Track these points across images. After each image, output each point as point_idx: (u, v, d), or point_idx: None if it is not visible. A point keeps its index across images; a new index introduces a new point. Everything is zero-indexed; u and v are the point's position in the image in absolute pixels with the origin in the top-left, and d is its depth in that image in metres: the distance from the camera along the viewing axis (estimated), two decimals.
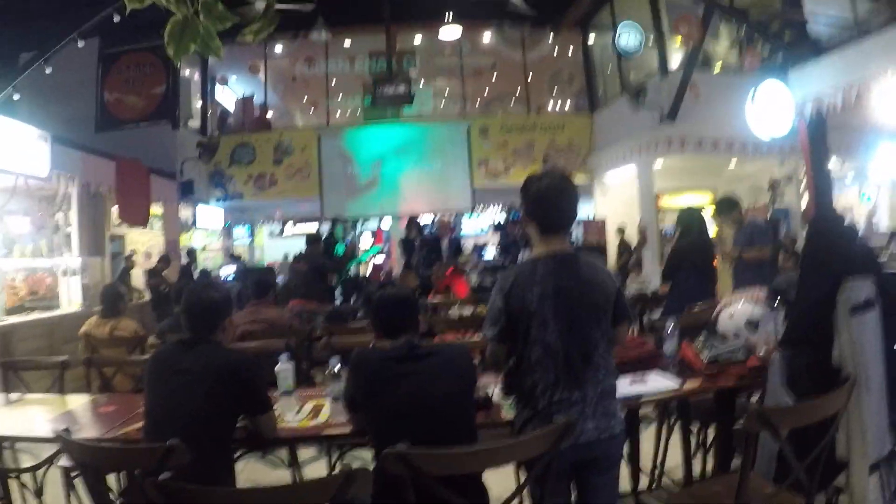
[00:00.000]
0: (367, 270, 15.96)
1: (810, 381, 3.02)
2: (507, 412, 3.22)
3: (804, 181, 13.64)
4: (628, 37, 12.06)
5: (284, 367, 3.57)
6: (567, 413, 2.65)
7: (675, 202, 13.74)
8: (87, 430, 3.50)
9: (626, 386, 3.34)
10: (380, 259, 17.50)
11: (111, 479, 3.60)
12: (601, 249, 14.00)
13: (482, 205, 16.74)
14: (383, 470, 2.26)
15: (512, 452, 2.47)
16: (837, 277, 2.97)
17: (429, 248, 11.21)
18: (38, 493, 4.11)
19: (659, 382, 3.45)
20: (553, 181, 2.90)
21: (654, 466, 4.48)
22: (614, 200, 15.23)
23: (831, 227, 3.27)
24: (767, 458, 2.96)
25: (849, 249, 3.12)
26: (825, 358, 2.98)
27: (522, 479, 2.69)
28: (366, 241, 19.01)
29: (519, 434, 2.80)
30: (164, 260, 12.37)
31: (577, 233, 14.68)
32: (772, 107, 9.76)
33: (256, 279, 5.93)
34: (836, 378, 2.88)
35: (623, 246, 14.12)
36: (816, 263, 3.18)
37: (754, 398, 4.42)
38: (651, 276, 12.22)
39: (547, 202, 2.88)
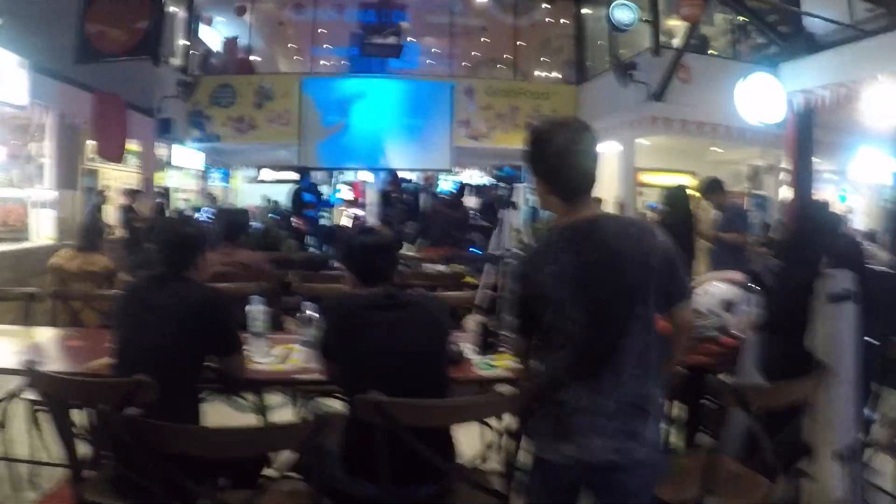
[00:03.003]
0: (341, 220, 15.95)
1: (782, 366, 3.04)
2: (479, 368, 3.20)
3: (784, 173, 13.79)
4: (623, 10, 12.00)
5: (256, 308, 3.51)
6: (569, 419, 2.22)
7: (655, 180, 13.80)
8: (54, 364, 3.45)
9: None
10: (359, 212, 17.45)
11: (75, 416, 3.53)
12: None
13: (461, 166, 16.69)
14: (353, 418, 2.23)
15: (486, 408, 2.43)
16: (818, 265, 2.98)
17: (406, 203, 11.17)
18: (1, 425, 4.06)
19: None
20: (572, 133, 2.26)
21: None
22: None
23: (817, 216, 3.29)
24: (734, 436, 2.98)
25: (833, 239, 3.13)
26: (799, 345, 2.99)
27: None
28: (344, 193, 18.93)
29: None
30: (133, 193, 12.19)
31: None
32: (762, 95, 9.80)
33: (228, 220, 5.81)
34: (808, 366, 2.90)
35: None
36: (799, 250, 3.20)
37: (722, 377, 4.49)
38: None
39: (570, 161, 2.25)
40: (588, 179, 2.29)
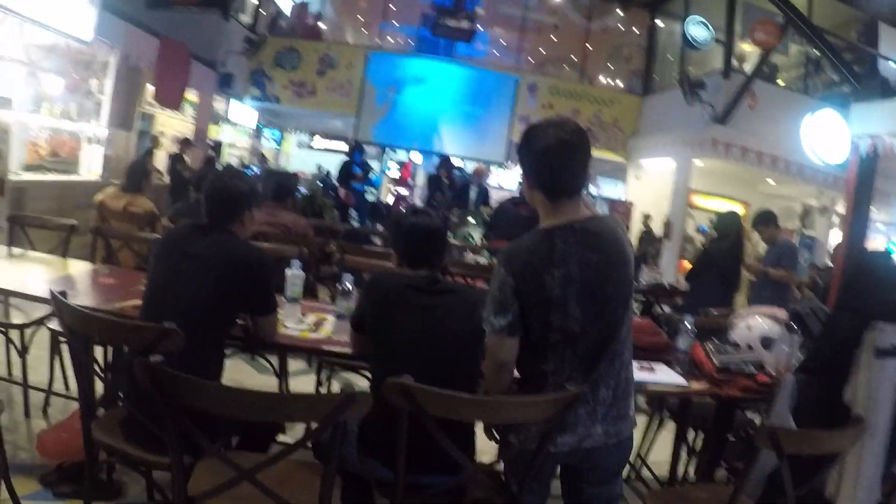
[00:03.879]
0: (388, 198, 15.95)
1: (815, 412, 2.94)
2: None
3: (837, 216, 13.54)
4: (698, 28, 11.82)
5: (296, 273, 3.47)
6: (573, 412, 2.32)
7: (706, 203, 13.62)
8: (83, 298, 3.45)
9: (633, 370, 3.25)
10: (404, 191, 17.45)
11: (98, 353, 3.54)
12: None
13: (515, 161, 16.58)
14: (377, 397, 2.17)
15: (519, 410, 2.34)
16: (870, 316, 2.87)
17: (456, 191, 11.10)
18: (23, 351, 4.09)
19: (667, 375, 3.35)
20: (562, 133, 2.35)
21: (638, 456, 4.43)
22: (646, 188, 15.11)
23: (875, 266, 3.16)
24: (758, 478, 2.89)
25: (889, 292, 3.01)
26: (836, 393, 2.89)
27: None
28: (393, 171, 18.94)
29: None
30: (186, 143, 12.27)
31: (604, 210, 14.63)
32: (828, 133, 9.59)
33: (277, 181, 5.79)
34: (842, 416, 2.79)
35: (646, 235, 14.06)
36: (853, 299, 3.08)
37: (749, 413, 4.39)
38: (667, 271, 12.15)
39: (554, 160, 2.35)
40: (574, 182, 2.38)
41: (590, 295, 2.33)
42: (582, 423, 2.34)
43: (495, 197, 11.67)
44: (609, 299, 2.36)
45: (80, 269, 4.23)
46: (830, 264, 10.63)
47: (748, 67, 12.40)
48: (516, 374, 2.54)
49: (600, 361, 2.36)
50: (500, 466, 2.54)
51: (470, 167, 15.87)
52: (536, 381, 2.41)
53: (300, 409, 2.15)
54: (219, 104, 14.60)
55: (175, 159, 11.88)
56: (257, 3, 15.81)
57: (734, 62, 12.58)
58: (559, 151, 2.34)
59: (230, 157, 16.35)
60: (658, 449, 4.42)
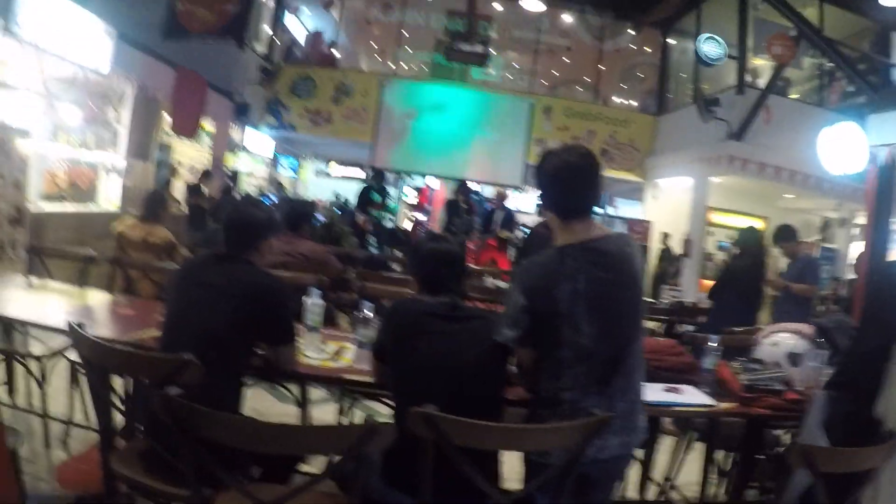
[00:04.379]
0: (405, 224, 15.95)
1: (847, 428, 2.87)
2: None
3: (858, 227, 13.42)
4: (711, 45, 11.80)
5: (315, 302, 3.44)
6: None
7: (725, 220, 13.55)
8: (101, 329, 3.44)
9: (659, 392, 3.19)
10: (422, 216, 17.47)
11: (117, 384, 3.52)
12: (643, 251, 13.85)
13: (532, 184, 16.58)
14: (400, 427, 2.14)
15: (545, 437, 2.31)
16: None
17: (477, 216, 11.09)
18: (42, 381, 4.08)
19: (694, 396, 3.29)
20: (573, 158, 2.54)
21: (666, 478, 4.35)
22: (664, 206, 15.05)
23: None
24: (791, 498, 2.82)
25: None
26: (867, 408, 2.82)
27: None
28: (410, 197, 18.97)
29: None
30: (206, 175, 12.35)
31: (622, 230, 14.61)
32: (845, 145, 9.51)
33: (293, 209, 5.75)
34: (874, 431, 2.73)
35: (665, 254, 13.99)
36: (880, 312, 3.02)
37: (778, 432, 4.32)
38: (688, 290, 12.07)
39: (566, 182, 2.53)
40: (583, 203, 2.56)
41: (599, 311, 2.43)
42: (600, 436, 2.35)
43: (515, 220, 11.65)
44: (619, 316, 2.49)
45: (98, 299, 4.23)
46: (854, 276, 10.51)
47: (762, 82, 12.34)
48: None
49: (615, 377, 2.46)
50: (525, 490, 2.49)
51: (487, 191, 15.89)
52: (553, 400, 2.49)
53: (322, 442, 2.11)
54: (235, 133, 14.69)
55: (192, 189, 11.94)
56: (272, 32, 15.96)
57: (748, 78, 12.54)
58: (568, 174, 2.53)
59: (247, 185, 16.42)
60: (686, 471, 4.34)
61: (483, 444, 2.24)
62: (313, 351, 3.32)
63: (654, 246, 14.47)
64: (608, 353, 2.45)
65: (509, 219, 11.38)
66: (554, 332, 2.45)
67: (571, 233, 2.52)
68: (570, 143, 2.82)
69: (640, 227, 14.69)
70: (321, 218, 10.55)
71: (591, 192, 2.57)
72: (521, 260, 8.51)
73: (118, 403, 3.33)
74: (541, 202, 2.69)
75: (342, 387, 4.29)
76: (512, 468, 2.72)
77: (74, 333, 2.55)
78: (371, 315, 3.36)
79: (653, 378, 3.34)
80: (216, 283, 2.79)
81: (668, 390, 3.27)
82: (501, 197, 11.96)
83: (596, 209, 2.68)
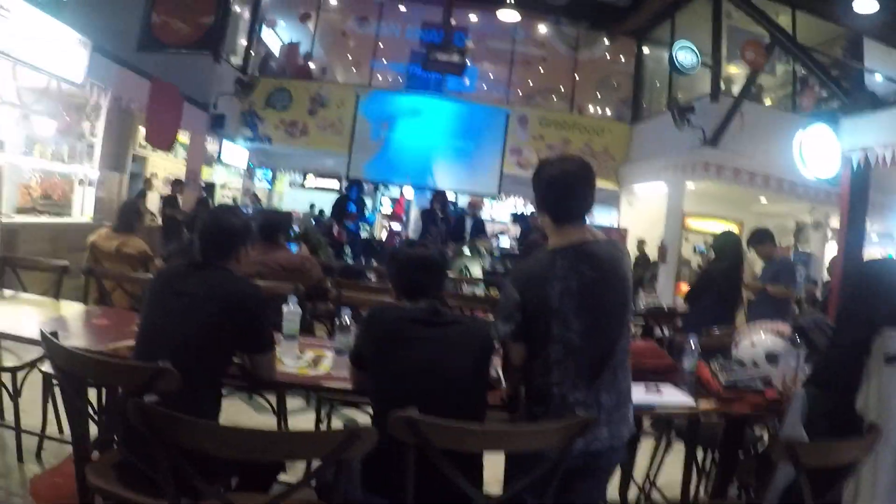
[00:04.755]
0: (381, 234, 15.91)
1: (828, 424, 2.88)
2: None
3: (831, 231, 13.57)
4: (686, 53, 11.90)
5: (292, 310, 3.40)
6: (584, 412, 2.47)
7: (700, 225, 13.64)
8: (76, 339, 3.37)
9: (640, 393, 3.19)
10: (397, 226, 17.45)
11: (92, 395, 3.47)
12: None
13: (507, 193, 16.62)
14: (380, 432, 2.12)
15: (528, 439, 2.30)
16: (877, 324, 2.82)
17: (452, 224, 11.08)
18: (16, 394, 4.02)
19: (674, 396, 3.29)
20: (568, 166, 2.70)
21: (647, 479, 4.35)
22: (640, 213, 15.16)
23: (879, 272, 3.11)
24: (773, 494, 2.82)
25: (894, 297, 2.96)
26: (847, 404, 2.83)
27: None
28: (386, 207, 18.94)
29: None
30: (177, 183, 12.29)
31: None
32: (819, 149, 9.62)
33: (266, 220, 5.70)
34: (855, 427, 2.73)
35: (641, 259, 14.05)
36: (859, 307, 3.03)
37: (758, 431, 4.33)
38: (664, 294, 12.12)
39: (560, 189, 2.67)
40: (576, 208, 2.69)
41: (587, 309, 2.55)
42: (590, 427, 2.41)
43: (489, 229, 11.67)
44: (606, 314, 2.60)
45: (72, 310, 4.18)
46: (828, 278, 10.61)
47: (736, 90, 12.46)
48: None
49: (603, 372, 2.57)
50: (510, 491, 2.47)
51: (463, 201, 15.91)
52: (543, 395, 2.58)
53: (302, 447, 2.08)
54: (211, 145, 14.62)
55: (167, 201, 11.87)
56: (247, 44, 15.92)
57: (722, 85, 12.66)
58: (563, 181, 2.67)
59: (223, 197, 16.35)
60: (666, 471, 4.34)
61: (465, 446, 2.23)
62: (291, 359, 3.29)
63: (631, 253, 14.52)
64: (596, 349, 2.56)
65: (479, 227, 11.40)
66: (545, 328, 2.55)
67: (564, 236, 2.65)
68: (565, 154, 3.05)
69: (615, 235, 14.72)
70: (297, 229, 10.50)
71: (585, 198, 2.70)
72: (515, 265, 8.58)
73: (93, 415, 3.29)
74: (536, 206, 2.81)
75: (320, 395, 4.27)
76: (497, 473, 2.71)
77: (48, 343, 2.51)
78: (349, 322, 3.34)
79: (633, 379, 3.34)
80: (193, 292, 2.75)
81: (649, 391, 3.27)
82: (475, 205, 11.96)
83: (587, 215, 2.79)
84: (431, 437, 2.08)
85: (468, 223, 11.34)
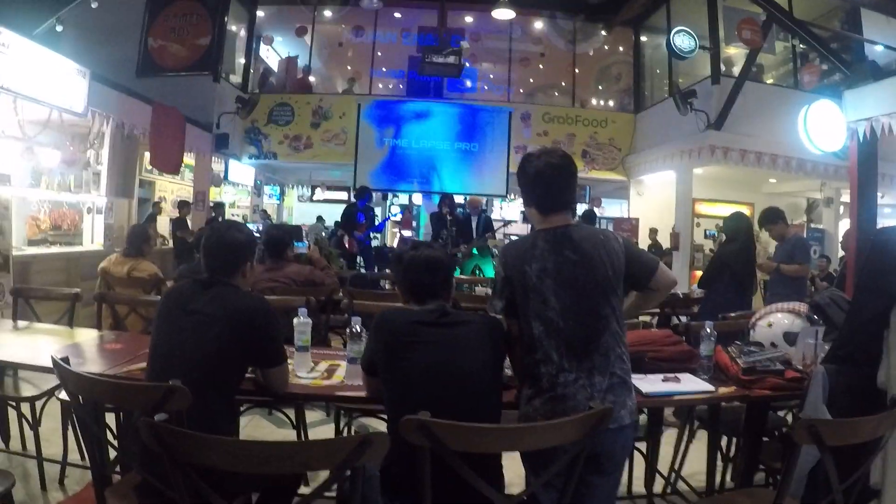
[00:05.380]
0: (393, 242, 15.88)
1: (850, 400, 2.85)
2: None
3: (844, 206, 13.47)
4: (683, 38, 11.85)
5: (303, 322, 3.39)
6: (574, 394, 2.55)
7: (711, 210, 13.57)
8: (91, 365, 3.39)
9: (658, 383, 3.17)
10: (408, 232, 17.45)
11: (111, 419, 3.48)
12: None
13: (516, 192, 16.56)
14: (396, 438, 2.11)
15: (541, 436, 2.28)
16: (894, 296, 2.79)
17: (459, 226, 11.05)
18: (36, 423, 4.04)
19: (693, 384, 3.27)
20: (551, 159, 2.77)
21: (672, 470, 4.32)
22: (650, 202, 15.10)
23: (892, 244, 3.06)
24: (798, 476, 2.78)
25: None
26: (869, 378, 2.80)
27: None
28: (396, 215, 18.93)
29: (522, 414, 2.69)
30: (183, 205, 12.37)
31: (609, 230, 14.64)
32: (824, 124, 9.56)
33: (269, 238, 5.71)
34: (877, 401, 2.70)
35: (654, 248, 13.99)
36: (874, 280, 2.99)
37: (782, 413, 4.29)
38: (679, 282, 12.05)
39: (544, 182, 2.76)
40: (561, 199, 2.78)
41: (565, 288, 2.63)
42: (584, 410, 2.42)
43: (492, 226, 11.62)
44: (586, 295, 2.64)
45: (86, 336, 4.18)
46: (842, 253, 10.53)
47: (736, 70, 12.38)
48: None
49: (593, 353, 2.61)
50: (529, 489, 2.45)
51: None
52: (533, 375, 2.66)
53: (316, 457, 2.05)
54: (217, 165, 14.65)
55: (176, 223, 11.92)
56: (245, 62, 15.96)
57: (722, 67, 12.59)
58: (548, 174, 2.75)
59: (233, 216, 16.37)
60: (692, 461, 4.31)
61: (479, 447, 2.21)
62: (304, 371, 3.28)
63: (643, 242, 14.47)
64: (579, 329, 2.61)
65: (486, 224, 11.36)
66: (525, 304, 2.65)
67: (547, 222, 2.76)
68: (549, 147, 3.05)
69: (627, 225, 14.70)
70: (301, 244, 10.51)
71: (569, 188, 2.81)
72: None
73: (111, 438, 3.30)
74: (523, 200, 2.88)
75: (338, 405, 4.26)
76: (520, 471, 2.70)
77: (60, 369, 2.51)
78: (360, 329, 3.33)
79: (651, 369, 3.32)
80: (202, 310, 2.75)
81: (667, 380, 3.25)
82: (475, 204, 11.91)
83: (572, 205, 2.91)
84: (444, 440, 2.07)
85: (474, 222, 11.28)
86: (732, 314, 4.84)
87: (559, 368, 2.58)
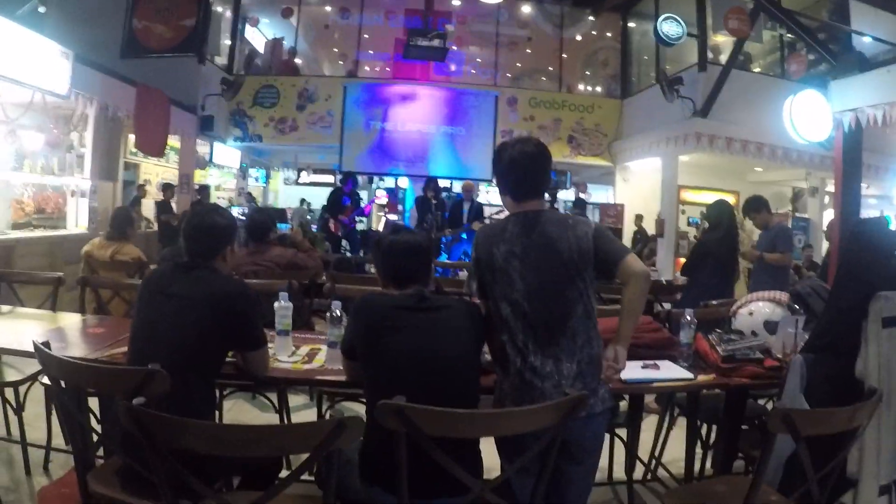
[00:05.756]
0: (378, 225, 15.88)
1: (828, 390, 2.87)
2: None
3: (829, 196, 13.55)
4: (671, 24, 11.85)
5: (284, 306, 3.39)
6: (538, 386, 2.58)
7: (696, 197, 13.63)
8: (73, 349, 3.39)
9: (637, 370, 3.19)
10: (393, 216, 17.44)
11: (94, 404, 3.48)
12: (617, 234, 13.88)
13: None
14: (375, 423, 2.12)
15: (516, 421, 2.31)
16: (873, 287, 2.81)
17: (444, 210, 11.05)
18: (19, 408, 4.04)
19: (672, 371, 3.29)
20: (525, 147, 2.81)
21: (652, 457, 4.36)
22: (635, 188, 15.16)
23: (873, 237, 3.08)
24: (775, 464, 2.81)
25: (889, 260, 2.95)
26: (847, 368, 2.82)
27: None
28: (381, 199, 18.91)
29: (495, 397, 2.77)
30: (167, 188, 12.32)
31: (595, 215, 14.74)
32: (810, 113, 9.60)
33: (251, 223, 5.72)
34: (855, 391, 2.72)
35: (639, 234, 14.05)
36: (853, 270, 3.01)
37: (763, 401, 4.33)
38: (664, 269, 12.11)
39: (518, 169, 2.80)
40: (534, 187, 2.82)
41: (530, 270, 2.66)
42: (550, 397, 2.52)
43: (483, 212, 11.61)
44: (553, 279, 2.66)
45: (70, 321, 4.17)
46: (827, 243, 10.61)
47: (724, 58, 12.41)
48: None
49: (559, 337, 2.64)
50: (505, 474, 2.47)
51: (458, 187, 15.87)
52: (502, 357, 2.71)
53: (292, 441, 2.07)
54: (202, 147, 14.59)
55: (161, 206, 11.87)
56: (231, 43, 15.87)
57: (709, 54, 12.61)
58: (526, 162, 2.79)
59: (218, 199, 16.33)
60: (673, 447, 4.34)
61: (455, 432, 2.23)
62: (285, 354, 3.29)
63: (628, 228, 14.53)
64: (544, 313, 2.64)
65: (477, 210, 11.36)
66: (493, 286, 2.72)
67: (522, 209, 2.80)
68: (523, 136, 3.12)
69: (612, 211, 14.76)
70: (283, 227, 10.50)
71: (543, 176, 2.86)
72: None
73: (93, 423, 3.30)
74: (499, 188, 2.92)
75: (321, 390, 4.28)
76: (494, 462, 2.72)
77: (41, 353, 2.52)
78: (340, 314, 3.33)
79: (631, 355, 3.33)
80: (182, 294, 2.76)
81: (646, 367, 3.27)
82: (469, 189, 11.91)
83: (545, 192, 3.01)
84: (420, 424, 2.09)
85: (465, 206, 11.28)
86: (714, 302, 4.87)
87: (526, 352, 2.62)
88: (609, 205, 15.36)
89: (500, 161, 2.86)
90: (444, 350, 2.58)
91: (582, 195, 15.35)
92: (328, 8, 16.94)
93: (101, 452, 3.16)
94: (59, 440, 4.19)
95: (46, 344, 2.53)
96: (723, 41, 13.30)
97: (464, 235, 10.96)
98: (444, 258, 10.78)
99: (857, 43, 9.97)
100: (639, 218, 14.41)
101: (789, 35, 12.57)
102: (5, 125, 8.47)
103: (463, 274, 8.08)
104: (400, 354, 2.55)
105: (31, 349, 2.93)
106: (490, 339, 2.81)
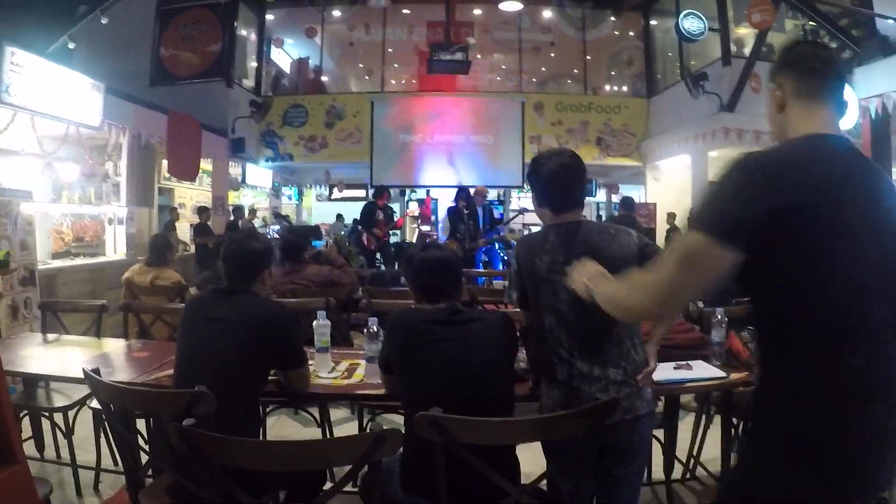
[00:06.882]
0: (412, 237, 15.96)
1: None
2: None
3: None
4: (692, 20, 11.82)
5: (322, 323, 3.49)
6: (589, 387, 2.58)
7: None
8: (119, 374, 3.49)
9: (670, 371, 3.23)
10: (426, 227, 17.50)
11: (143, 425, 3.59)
12: (650, 233, 13.82)
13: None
14: (414, 435, 2.20)
15: (548, 428, 2.37)
16: None
17: (471, 218, 11.09)
18: (69, 433, 4.17)
19: (704, 370, 3.32)
20: (563, 160, 2.79)
21: (690, 456, 4.37)
22: (666, 187, 15.06)
23: None
24: None
25: None
26: None
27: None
28: (413, 211, 18.99)
29: (541, 405, 2.76)
30: (202, 211, 12.53)
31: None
32: None
33: (286, 243, 5.82)
34: None
35: (672, 232, 13.96)
36: None
37: None
38: None
39: (558, 182, 2.78)
40: (572, 199, 2.80)
41: None
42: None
43: (519, 220, 11.61)
44: None
45: (114, 346, 4.29)
46: None
47: (747, 51, 12.33)
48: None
49: (605, 344, 2.63)
50: (543, 477, 2.53)
51: (492, 195, 15.87)
52: (546, 365, 2.72)
53: (334, 454, 2.16)
54: (234, 169, 14.79)
55: (198, 229, 12.07)
56: (257, 65, 16.09)
57: (733, 48, 12.55)
58: (561, 174, 2.76)
59: (252, 220, 16.53)
60: (712, 446, 4.35)
61: (490, 440, 2.30)
62: (325, 370, 3.38)
63: (661, 227, 14.46)
64: (590, 321, 2.55)
65: (489, 215, 11.39)
66: (536, 296, 2.72)
67: (561, 220, 2.77)
68: (556, 148, 3.15)
69: (644, 210, 14.68)
70: (318, 244, 10.61)
71: (581, 187, 2.83)
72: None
73: (142, 443, 3.41)
74: (537, 202, 2.87)
75: (361, 404, 4.36)
76: (541, 462, 2.77)
77: (91, 379, 2.62)
78: (377, 329, 3.41)
79: (663, 357, 3.36)
80: (224, 318, 2.85)
81: (679, 367, 3.30)
82: (480, 193, 11.91)
83: (583, 203, 2.90)
84: (456, 434, 2.16)
85: (480, 213, 11.29)
86: (744, 298, 4.84)
87: (572, 360, 2.62)
88: (641, 204, 15.29)
89: (537, 175, 2.83)
90: (477, 361, 2.64)
91: (613, 195, 15.27)
92: (351, 25, 17.07)
93: (149, 471, 3.26)
94: (108, 461, 4.32)
95: (96, 371, 2.64)
96: (745, 33, 13.20)
97: (497, 246, 11.00)
98: (479, 267, 10.84)
99: (882, 26, 9.86)
100: (671, 216, 14.33)
101: (811, 24, 12.45)
102: (42, 158, 8.71)
103: (497, 283, 8.13)
104: (434, 367, 2.62)
105: (80, 375, 3.06)
106: (528, 347, 2.87)
